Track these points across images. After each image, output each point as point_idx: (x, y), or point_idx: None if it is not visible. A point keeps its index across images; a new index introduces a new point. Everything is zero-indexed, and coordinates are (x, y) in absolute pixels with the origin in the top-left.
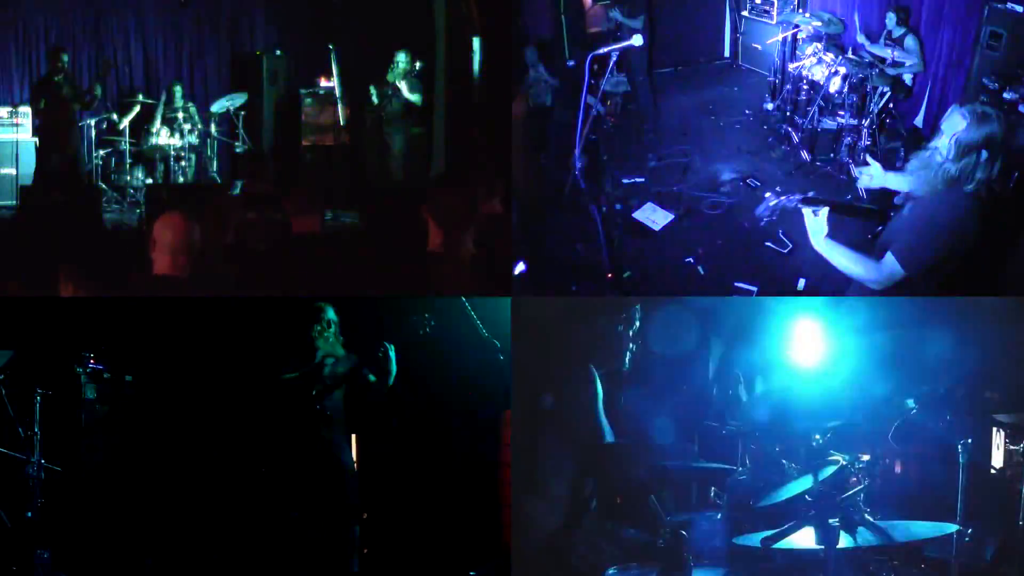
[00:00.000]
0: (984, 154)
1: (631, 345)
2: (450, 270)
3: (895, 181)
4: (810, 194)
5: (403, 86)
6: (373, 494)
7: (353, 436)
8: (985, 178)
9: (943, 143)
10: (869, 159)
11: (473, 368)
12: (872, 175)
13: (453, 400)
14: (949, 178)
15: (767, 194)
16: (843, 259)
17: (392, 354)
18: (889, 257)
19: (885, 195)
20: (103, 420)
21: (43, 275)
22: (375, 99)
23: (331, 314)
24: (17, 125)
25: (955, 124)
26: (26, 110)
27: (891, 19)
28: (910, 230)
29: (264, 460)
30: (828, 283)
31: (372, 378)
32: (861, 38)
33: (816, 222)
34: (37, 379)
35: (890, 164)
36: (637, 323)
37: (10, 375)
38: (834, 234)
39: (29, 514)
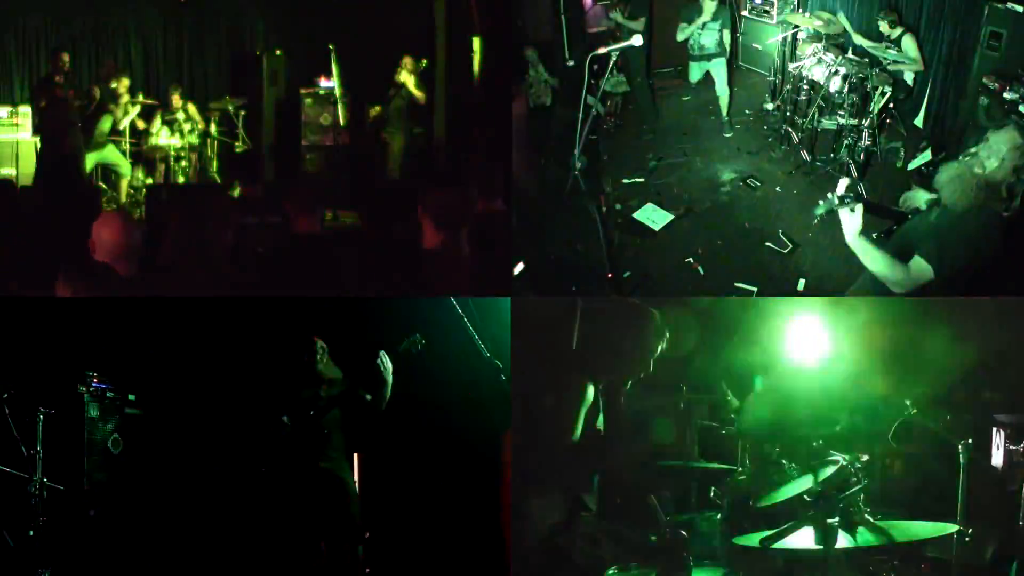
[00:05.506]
0: None
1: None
2: (447, 269)
3: (925, 198)
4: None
5: (411, 81)
6: (376, 513)
7: (355, 456)
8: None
9: (985, 154)
10: (914, 186)
11: (474, 387)
12: (913, 198)
13: (453, 420)
14: (986, 186)
15: (828, 194)
16: (872, 258)
17: (388, 363)
18: (918, 260)
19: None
20: (107, 439)
21: (41, 276)
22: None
23: (319, 343)
24: (17, 125)
25: (1013, 139)
26: (26, 110)
27: (883, 25)
28: (939, 236)
29: (266, 482)
30: (828, 283)
31: (368, 397)
32: (858, 38)
33: (852, 218)
34: (40, 398)
35: (891, 165)
36: (667, 333)
37: (13, 394)
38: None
39: (31, 532)
